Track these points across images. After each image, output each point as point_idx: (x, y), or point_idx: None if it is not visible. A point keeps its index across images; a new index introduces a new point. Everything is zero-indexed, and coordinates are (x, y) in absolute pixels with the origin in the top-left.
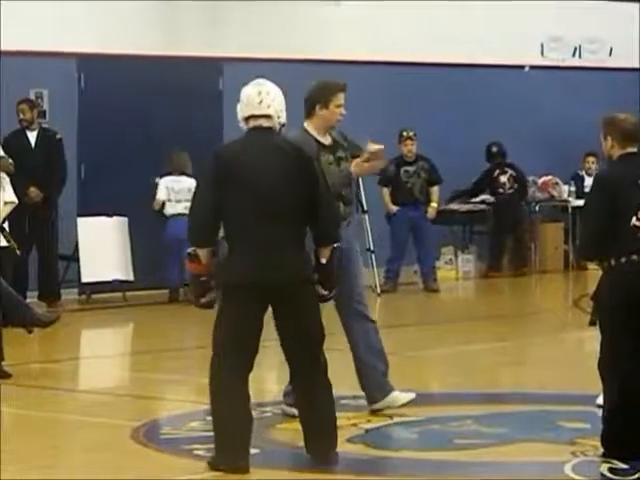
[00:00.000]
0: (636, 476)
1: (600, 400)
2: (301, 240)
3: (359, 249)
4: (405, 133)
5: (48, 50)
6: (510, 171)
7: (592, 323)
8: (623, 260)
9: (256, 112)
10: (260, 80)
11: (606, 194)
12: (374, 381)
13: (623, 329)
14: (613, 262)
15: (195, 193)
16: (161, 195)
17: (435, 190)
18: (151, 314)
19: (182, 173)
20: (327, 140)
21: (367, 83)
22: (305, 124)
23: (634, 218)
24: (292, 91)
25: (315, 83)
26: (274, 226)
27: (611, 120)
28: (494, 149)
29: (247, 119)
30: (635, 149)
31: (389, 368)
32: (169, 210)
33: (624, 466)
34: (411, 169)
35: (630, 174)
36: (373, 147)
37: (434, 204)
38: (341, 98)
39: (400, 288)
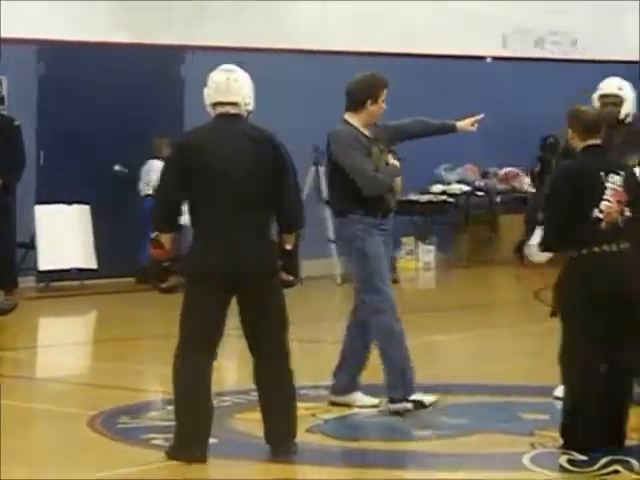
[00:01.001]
0: (595, 467)
1: (558, 392)
2: (267, 228)
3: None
4: None
5: (7, 37)
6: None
7: (553, 314)
8: (584, 252)
9: (223, 98)
10: (229, 66)
11: (569, 185)
12: (349, 374)
13: (584, 320)
14: (575, 253)
15: (159, 179)
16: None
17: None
18: (114, 302)
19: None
20: (370, 134)
21: (330, 72)
22: (348, 117)
23: (596, 210)
24: (258, 80)
25: (361, 77)
26: (239, 214)
27: (572, 112)
28: None
29: (214, 105)
30: (597, 141)
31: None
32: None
33: (583, 457)
34: None
35: (592, 166)
36: None
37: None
38: (385, 93)
39: None
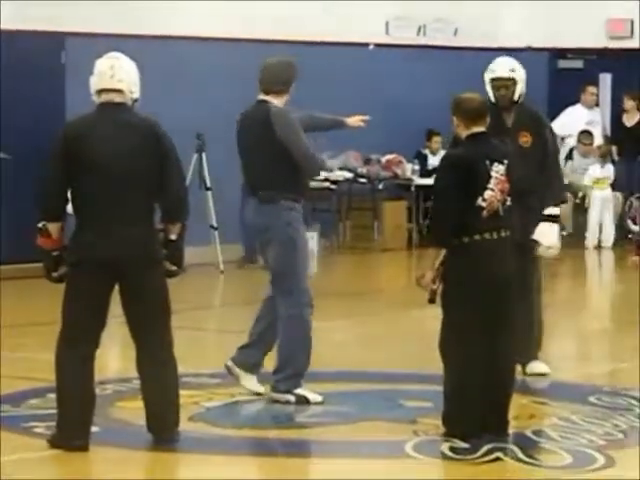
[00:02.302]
0: (476, 455)
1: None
2: (149, 217)
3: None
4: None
5: None
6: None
7: (431, 301)
8: (467, 240)
9: (107, 86)
10: (114, 53)
11: (456, 174)
12: (255, 356)
13: (467, 308)
14: (457, 241)
15: (44, 168)
16: None
17: None
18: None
19: None
20: None
21: (216, 59)
22: (271, 98)
23: (479, 198)
24: (141, 67)
25: (287, 60)
26: (121, 203)
27: (456, 101)
28: None
29: (99, 92)
30: (482, 129)
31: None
32: None
33: (465, 445)
34: None
35: (477, 154)
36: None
37: None
38: None
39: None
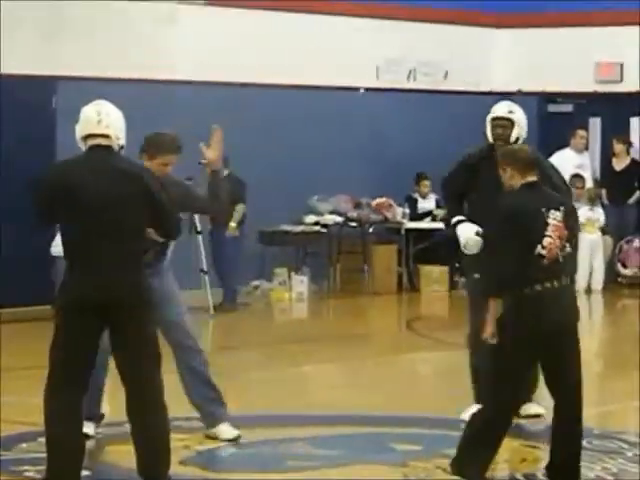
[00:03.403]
0: None
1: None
2: (138, 259)
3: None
4: None
5: None
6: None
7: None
8: (527, 291)
9: (95, 131)
10: (100, 101)
11: (513, 224)
12: (201, 409)
13: (524, 357)
14: (519, 293)
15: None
16: None
17: (238, 209)
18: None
19: None
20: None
21: (201, 103)
22: None
23: (539, 246)
24: (128, 110)
25: (155, 133)
26: (110, 246)
27: (508, 152)
28: None
29: (85, 138)
30: (535, 178)
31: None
32: None
33: None
34: None
35: (534, 202)
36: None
37: (232, 223)
38: (169, 159)
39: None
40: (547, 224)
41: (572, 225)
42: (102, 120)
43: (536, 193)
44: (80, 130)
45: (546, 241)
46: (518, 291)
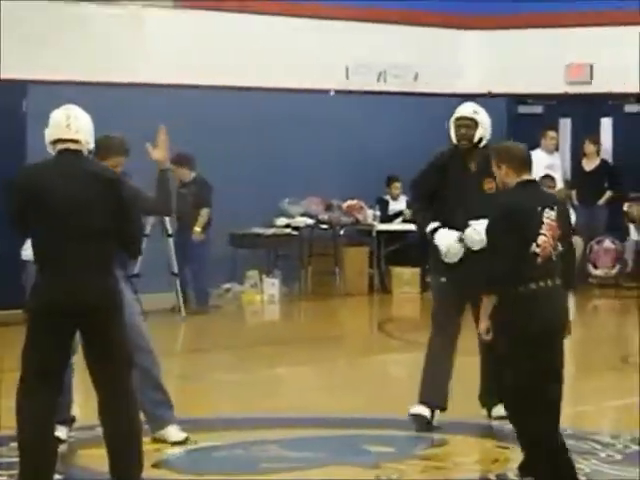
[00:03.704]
0: None
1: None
2: (108, 263)
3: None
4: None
5: None
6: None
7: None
8: (522, 289)
9: (64, 136)
10: (69, 105)
11: (510, 221)
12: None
13: (522, 356)
14: (513, 290)
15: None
16: None
17: (203, 213)
18: None
19: None
20: None
21: (173, 106)
22: None
23: (534, 245)
24: (98, 114)
25: (104, 136)
26: (80, 249)
27: (503, 149)
28: None
29: (54, 142)
30: (531, 177)
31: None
32: None
33: None
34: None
35: (530, 201)
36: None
37: (197, 228)
38: (117, 161)
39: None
40: (542, 223)
41: (564, 224)
42: (71, 124)
43: (532, 191)
44: (49, 134)
45: (541, 239)
46: (513, 289)
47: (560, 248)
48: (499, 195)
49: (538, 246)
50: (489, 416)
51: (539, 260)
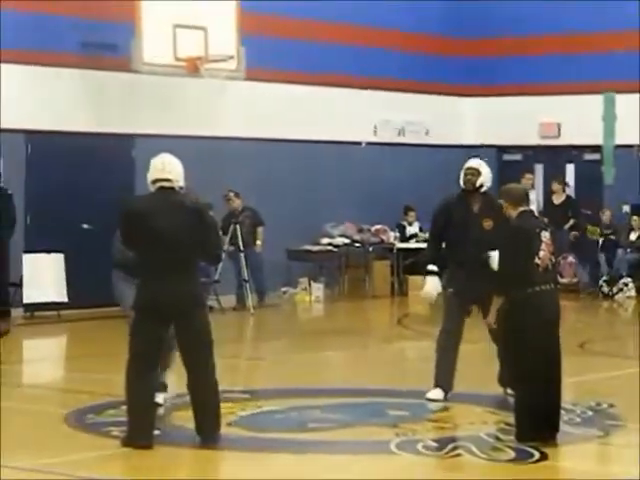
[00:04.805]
0: (444, 452)
1: (431, 395)
2: (193, 270)
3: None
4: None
5: (2, 127)
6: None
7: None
8: (529, 290)
9: (160, 176)
10: (164, 154)
11: (520, 241)
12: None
13: (529, 346)
14: (522, 292)
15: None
16: None
17: (260, 231)
18: (81, 327)
19: None
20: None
21: (244, 157)
22: None
23: (536, 258)
24: (190, 162)
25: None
26: (173, 263)
27: (505, 190)
28: None
29: (154, 182)
30: (527, 208)
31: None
32: None
33: (435, 444)
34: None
35: (532, 225)
36: None
37: (259, 242)
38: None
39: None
40: (541, 241)
41: (554, 243)
42: (165, 168)
43: (531, 218)
44: (149, 176)
45: (541, 254)
46: (522, 291)
47: (553, 260)
48: (511, 221)
49: (539, 259)
50: (505, 393)
51: (540, 269)
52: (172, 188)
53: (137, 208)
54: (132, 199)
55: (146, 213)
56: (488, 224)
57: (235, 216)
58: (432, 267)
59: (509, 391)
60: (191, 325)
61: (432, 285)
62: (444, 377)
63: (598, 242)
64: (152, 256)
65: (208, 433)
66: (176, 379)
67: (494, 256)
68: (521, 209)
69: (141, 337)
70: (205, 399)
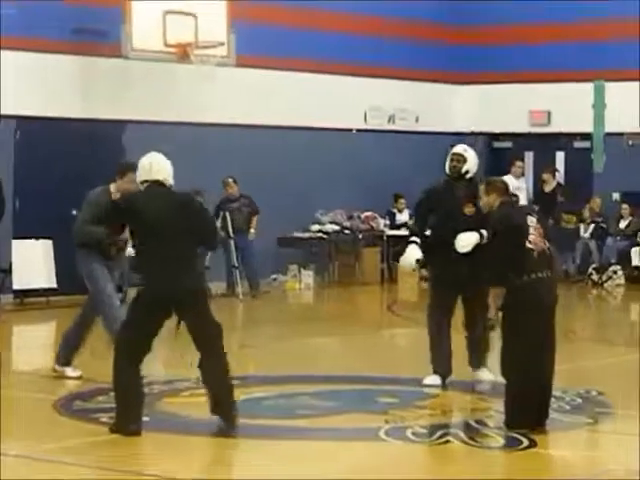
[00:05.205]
0: (432, 438)
1: (428, 380)
2: (191, 258)
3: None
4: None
5: None
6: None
7: (492, 328)
8: (526, 278)
9: (148, 177)
10: (152, 153)
11: (510, 228)
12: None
13: (528, 331)
14: (519, 280)
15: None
16: None
17: (255, 219)
18: (70, 314)
19: None
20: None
21: (234, 144)
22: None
23: (527, 242)
24: (180, 149)
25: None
26: (171, 251)
27: (489, 182)
28: None
29: (142, 183)
30: (509, 198)
31: None
32: None
33: (424, 431)
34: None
35: (518, 212)
36: None
37: (252, 230)
38: (130, 176)
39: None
40: (529, 226)
41: (543, 226)
42: (153, 169)
43: (513, 206)
44: (138, 176)
45: (531, 237)
46: (518, 280)
47: (548, 244)
48: (493, 213)
49: (530, 242)
50: (475, 376)
51: (535, 254)
52: (162, 184)
53: (133, 205)
54: (127, 197)
55: (142, 209)
56: (470, 210)
57: (230, 202)
58: (413, 238)
59: (480, 373)
60: (197, 312)
61: (411, 253)
62: (441, 362)
63: (579, 230)
64: (151, 247)
65: (227, 413)
66: (166, 362)
67: (460, 238)
68: (504, 198)
69: (136, 326)
70: (221, 382)
